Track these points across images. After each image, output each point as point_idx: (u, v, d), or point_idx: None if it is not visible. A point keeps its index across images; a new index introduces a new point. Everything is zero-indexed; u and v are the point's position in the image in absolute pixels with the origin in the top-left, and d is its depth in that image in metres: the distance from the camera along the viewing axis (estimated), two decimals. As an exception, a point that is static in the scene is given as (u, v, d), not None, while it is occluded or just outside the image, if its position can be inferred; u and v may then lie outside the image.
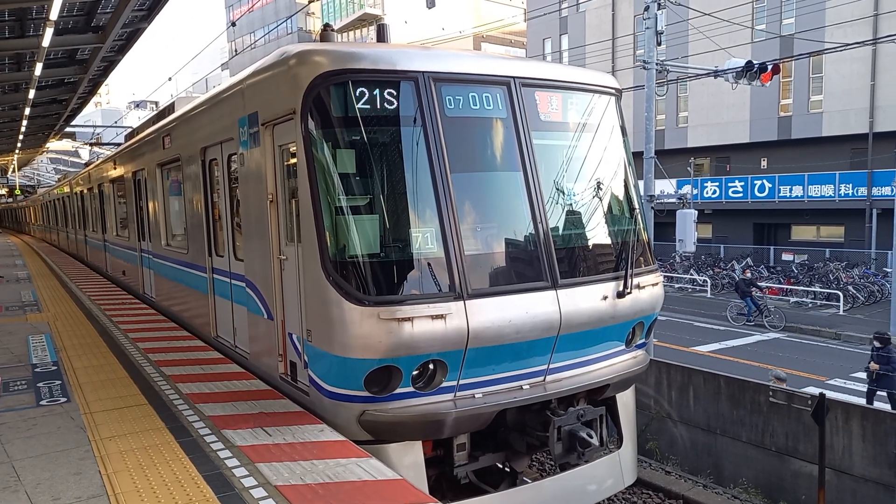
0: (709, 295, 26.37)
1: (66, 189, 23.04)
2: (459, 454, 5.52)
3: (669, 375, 11.09)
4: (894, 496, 8.36)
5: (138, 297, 12.28)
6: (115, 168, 13.60)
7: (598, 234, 6.14)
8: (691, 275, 28.43)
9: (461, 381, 5.21)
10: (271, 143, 5.83)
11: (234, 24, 29.24)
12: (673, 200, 13.47)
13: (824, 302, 23.05)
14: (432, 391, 5.13)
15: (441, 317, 4.87)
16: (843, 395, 12.43)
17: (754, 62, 14.57)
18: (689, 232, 12.93)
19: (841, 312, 21.79)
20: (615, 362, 6.23)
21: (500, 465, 6.21)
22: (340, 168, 5.05)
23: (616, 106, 6.56)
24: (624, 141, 6.59)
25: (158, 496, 3.97)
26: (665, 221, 15.16)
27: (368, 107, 4.99)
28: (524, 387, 5.51)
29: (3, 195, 58.85)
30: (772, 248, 30.95)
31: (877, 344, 11.95)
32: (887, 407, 11.30)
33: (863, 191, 27.15)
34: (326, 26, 6.51)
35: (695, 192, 29.94)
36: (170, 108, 9.92)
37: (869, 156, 27.20)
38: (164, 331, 9.08)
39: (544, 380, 5.64)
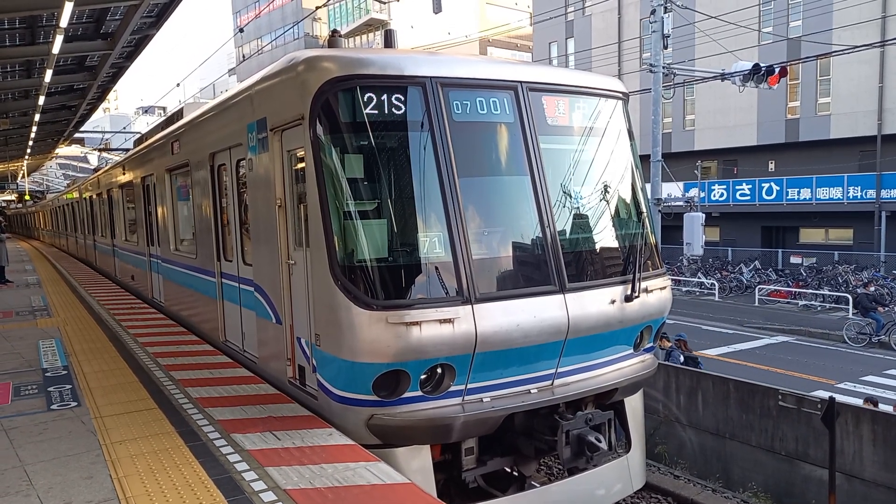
0: (717, 298, 26.26)
1: (76, 194, 23.19)
2: (468, 458, 5.51)
3: (678, 379, 11.04)
4: (906, 501, 8.29)
5: (147, 301, 12.35)
6: (123, 173, 13.69)
7: (605, 237, 6.13)
8: (699, 278, 28.35)
9: (469, 386, 5.21)
10: (280, 149, 5.86)
11: (241, 30, 29.45)
12: (680, 203, 13.48)
13: (833, 305, 22.93)
14: (440, 395, 5.14)
15: (449, 321, 4.87)
16: (853, 398, 12.34)
17: (761, 65, 14.57)
18: (696, 235, 12.91)
19: (850, 315, 21.65)
20: (623, 366, 6.21)
21: (509, 470, 6.20)
22: (348, 173, 5.07)
23: (623, 110, 6.55)
24: (631, 144, 6.58)
25: (169, 500, 3.99)
26: (672, 225, 15.15)
27: (376, 112, 5.02)
28: (532, 391, 5.51)
29: (13, 201, 59.30)
30: (780, 251, 30.81)
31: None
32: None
33: (871, 193, 27.01)
34: (334, 32, 6.55)
35: (702, 195, 29.87)
36: (178, 114, 9.99)
37: (878, 158, 27.06)
38: (173, 335, 9.13)
39: (552, 384, 5.64)
